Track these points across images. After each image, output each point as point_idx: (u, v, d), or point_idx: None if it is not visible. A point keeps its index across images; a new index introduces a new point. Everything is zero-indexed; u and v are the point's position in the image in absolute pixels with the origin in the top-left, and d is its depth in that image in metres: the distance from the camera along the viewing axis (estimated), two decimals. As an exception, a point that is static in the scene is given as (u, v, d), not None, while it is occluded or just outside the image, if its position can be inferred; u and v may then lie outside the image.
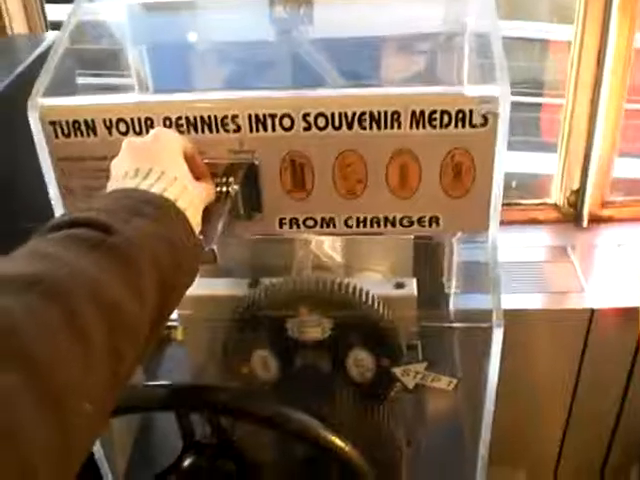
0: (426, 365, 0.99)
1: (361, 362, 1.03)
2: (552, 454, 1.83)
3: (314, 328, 0.99)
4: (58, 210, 0.97)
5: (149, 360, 1.31)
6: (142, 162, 0.74)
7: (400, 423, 1.09)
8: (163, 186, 0.71)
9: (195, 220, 0.73)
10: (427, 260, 1.18)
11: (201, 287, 1.04)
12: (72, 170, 0.95)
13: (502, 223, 1.79)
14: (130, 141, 0.79)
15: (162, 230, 0.66)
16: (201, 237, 0.77)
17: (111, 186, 0.74)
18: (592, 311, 1.57)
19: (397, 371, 1.00)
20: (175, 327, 1.06)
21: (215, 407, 0.92)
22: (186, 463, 1.05)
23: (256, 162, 0.90)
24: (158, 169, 0.73)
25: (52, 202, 0.97)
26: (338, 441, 0.91)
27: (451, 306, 1.28)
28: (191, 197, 0.73)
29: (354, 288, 0.98)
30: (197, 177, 0.79)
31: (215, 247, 0.79)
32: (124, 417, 1.23)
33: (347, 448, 0.93)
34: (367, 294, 0.98)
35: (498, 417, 1.64)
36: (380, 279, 1.08)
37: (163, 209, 0.68)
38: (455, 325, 1.02)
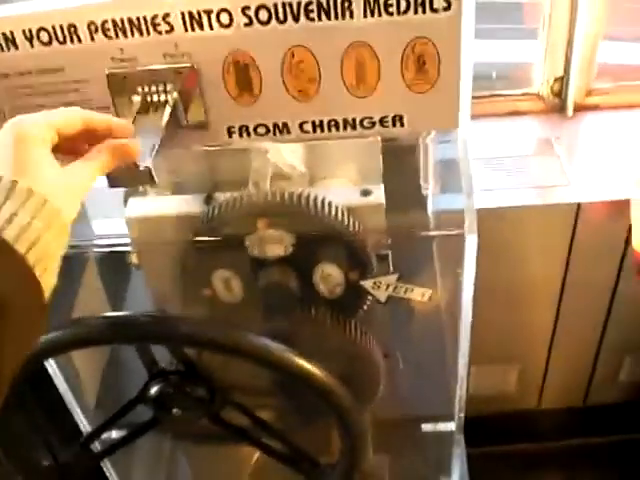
0: (398, 276, 0.93)
1: (329, 277, 0.96)
2: (543, 351, 1.81)
3: (275, 244, 0.92)
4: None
5: (115, 289, 1.26)
6: None
7: (376, 336, 1.04)
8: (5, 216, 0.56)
9: (44, 260, 0.57)
10: (400, 163, 1.10)
11: (152, 206, 0.98)
12: (-2, 90, 0.86)
13: (482, 116, 1.71)
14: None
15: None
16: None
17: None
18: (579, 205, 1.50)
19: (367, 284, 0.94)
20: (129, 252, 0.99)
21: (170, 338, 0.86)
22: (152, 391, 1.00)
23: (195, 66, 0.81)
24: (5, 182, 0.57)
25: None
26: (304, 364, 0.86)
27: (429, 209, 1.21)
28: (49, 217, 0.58)
29: (315, 199, 0.90)
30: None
31: (150, 165, 0.71)
32: (90, 352, 1.18)
33: (317, 372, 0.88)
34: (330, 204, 0.91)
35: (487, 316, 1.61)
36: (345, 187, 1.00)
37: None
38: (425, 234, 0.95)
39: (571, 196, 1.51)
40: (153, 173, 0.71)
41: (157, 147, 0.74)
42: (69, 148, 0.65)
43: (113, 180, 0.72)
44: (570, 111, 1.68)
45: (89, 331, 0.84)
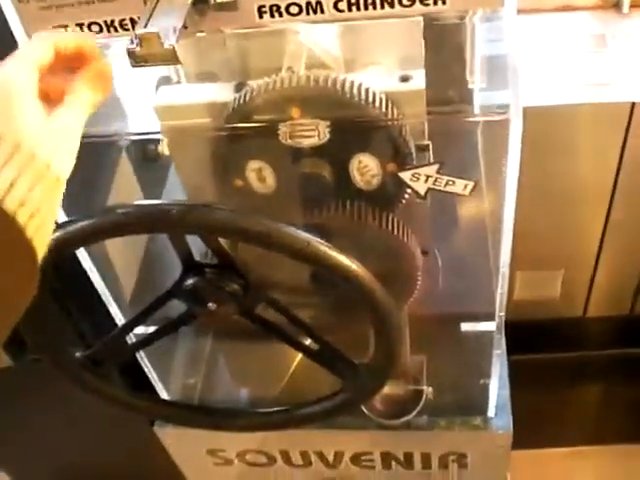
0: (438, 167, 0.89)
1: (365, 168, 0.92)
2: (590, 257, 1.76)
3: (309, 132, 0.87)
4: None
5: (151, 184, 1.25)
6: None
7: (414, 232, 1.00)
8: None
9: (36, 218, 0.52)
10: (444, 48, 1.03)
11: (182, 94, 0.94)
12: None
13: (534, 11, 1.63)
14: None
15: None
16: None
17: None
18: (633, 104, 1.44)
19: (406, 176, 0.89)
20: (160, 140, 0.96)
21: (202, 225, 0.83)
22: (186, 284, 0.99)
23: (219, -62, 0.76)
24: None
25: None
26: (338, 255, 0.83)
27: (475, 103, 1.15)
28: (38, 172, 0.53)
29: (351, 84, 0.86)
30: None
31: (175, 43, 0.68)
32: (125, 248, 1.18)
33: (351, 264, 0.85)
34: (367, 90, 0.86)
35: (533, 221, 1.56)
36: (383, 73, 0.95)
37: None
38: (467, 119, 0.90)
39: (625, 94, 1.45)
40: (177, 51, 0.68)
41: (181, 26, 0.70)
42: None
43: (136, 59, 0.70)
44: (626, 8, 1.59)
45: (121, 219, 0.82)
